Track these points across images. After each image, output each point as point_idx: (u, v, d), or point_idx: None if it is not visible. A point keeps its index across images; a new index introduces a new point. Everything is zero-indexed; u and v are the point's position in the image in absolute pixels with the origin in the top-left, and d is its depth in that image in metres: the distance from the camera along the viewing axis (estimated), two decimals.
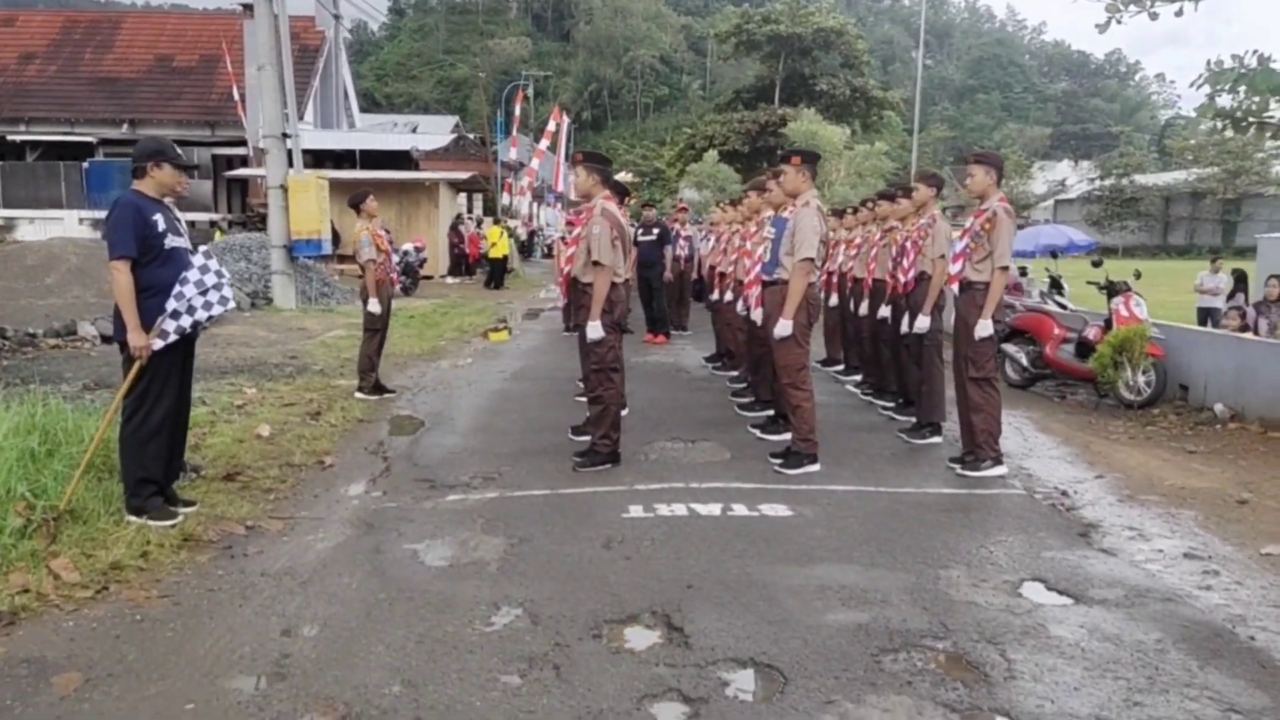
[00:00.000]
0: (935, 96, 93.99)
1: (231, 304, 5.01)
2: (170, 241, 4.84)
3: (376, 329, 8.72)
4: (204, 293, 4.85)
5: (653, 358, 11.42)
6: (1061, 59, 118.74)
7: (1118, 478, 6.13)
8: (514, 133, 33.69)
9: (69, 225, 25.28)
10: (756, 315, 7.30)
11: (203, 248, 5.04)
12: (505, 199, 33.15)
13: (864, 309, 8.59)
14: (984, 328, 5.83)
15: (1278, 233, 16.99)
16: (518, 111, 33.94)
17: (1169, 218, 47.93)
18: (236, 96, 27.58)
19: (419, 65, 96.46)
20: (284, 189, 14.95)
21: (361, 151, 28.73)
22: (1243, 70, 7.79)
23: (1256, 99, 7.98)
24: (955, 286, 5.98)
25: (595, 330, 6.00)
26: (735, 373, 9.71)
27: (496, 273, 23.78)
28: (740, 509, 5.18)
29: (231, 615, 3.85)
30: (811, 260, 5.90)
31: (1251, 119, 8.25)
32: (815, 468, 5.94)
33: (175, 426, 5.03)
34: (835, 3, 53.54)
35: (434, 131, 38.70)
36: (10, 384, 7.83)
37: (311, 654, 3.49)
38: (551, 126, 37.61)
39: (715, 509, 5.17)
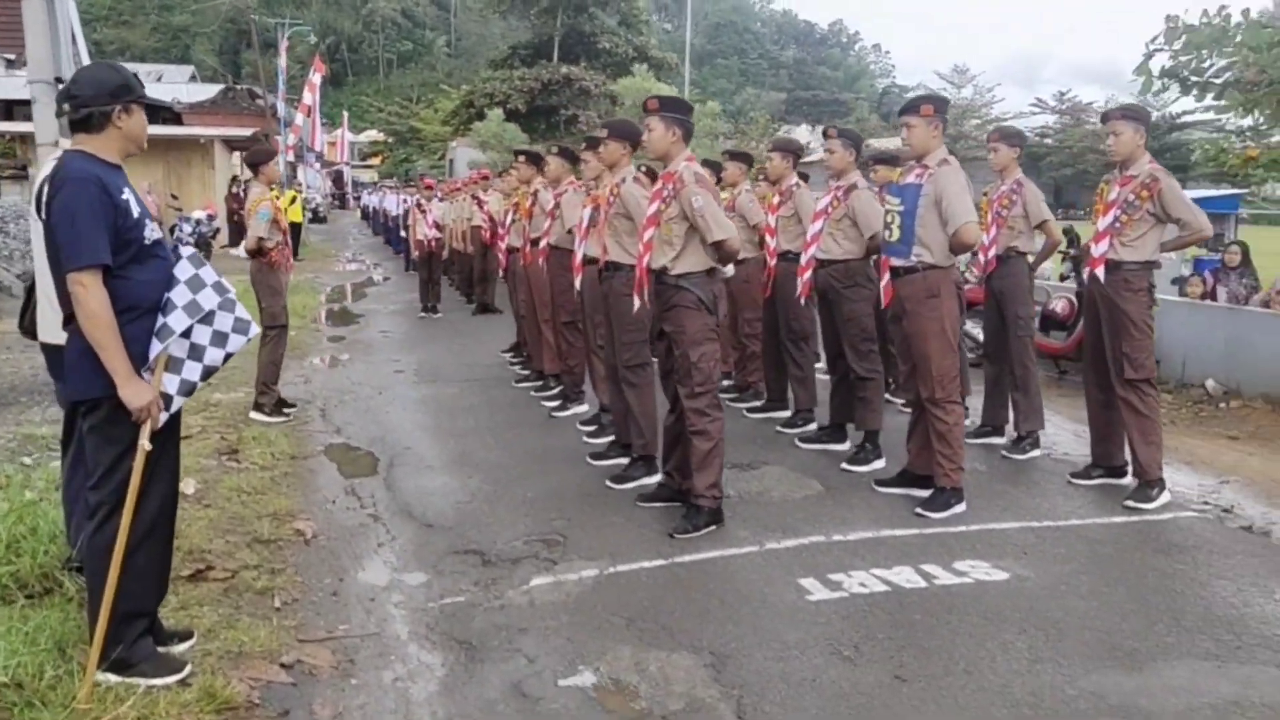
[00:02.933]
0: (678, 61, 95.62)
1: (255, 330, 3.26)
2: (151, 231, 3.07)
3: (280, 325, 6.85)
4: (206, 319, 3.11)
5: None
6: (790, 27, 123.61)
7: (1240, 481, 5.53)
8: (282, 87, 30.24)
9: None
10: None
11: (185, 250, 3.25)
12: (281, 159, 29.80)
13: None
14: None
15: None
16: (284, 62, 30.50)
17: None
18: None
19: (131, 10, 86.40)
20: (57, 146, 12.03)
21: None
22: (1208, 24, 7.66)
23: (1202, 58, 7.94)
24: (1100, 270, 5.01)
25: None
26: None
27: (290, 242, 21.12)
28: (939, 573, 4.03)
29: None
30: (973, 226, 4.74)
31: (1194, 79, 8.18)
32: (962, 507, 4.76)
33: (169, 520, 3.27)
34: None
35: (175, 81, 34.23)
36: None
37: None
38: (315, 79, 34.38)
39: (912, 577, 3.99)
